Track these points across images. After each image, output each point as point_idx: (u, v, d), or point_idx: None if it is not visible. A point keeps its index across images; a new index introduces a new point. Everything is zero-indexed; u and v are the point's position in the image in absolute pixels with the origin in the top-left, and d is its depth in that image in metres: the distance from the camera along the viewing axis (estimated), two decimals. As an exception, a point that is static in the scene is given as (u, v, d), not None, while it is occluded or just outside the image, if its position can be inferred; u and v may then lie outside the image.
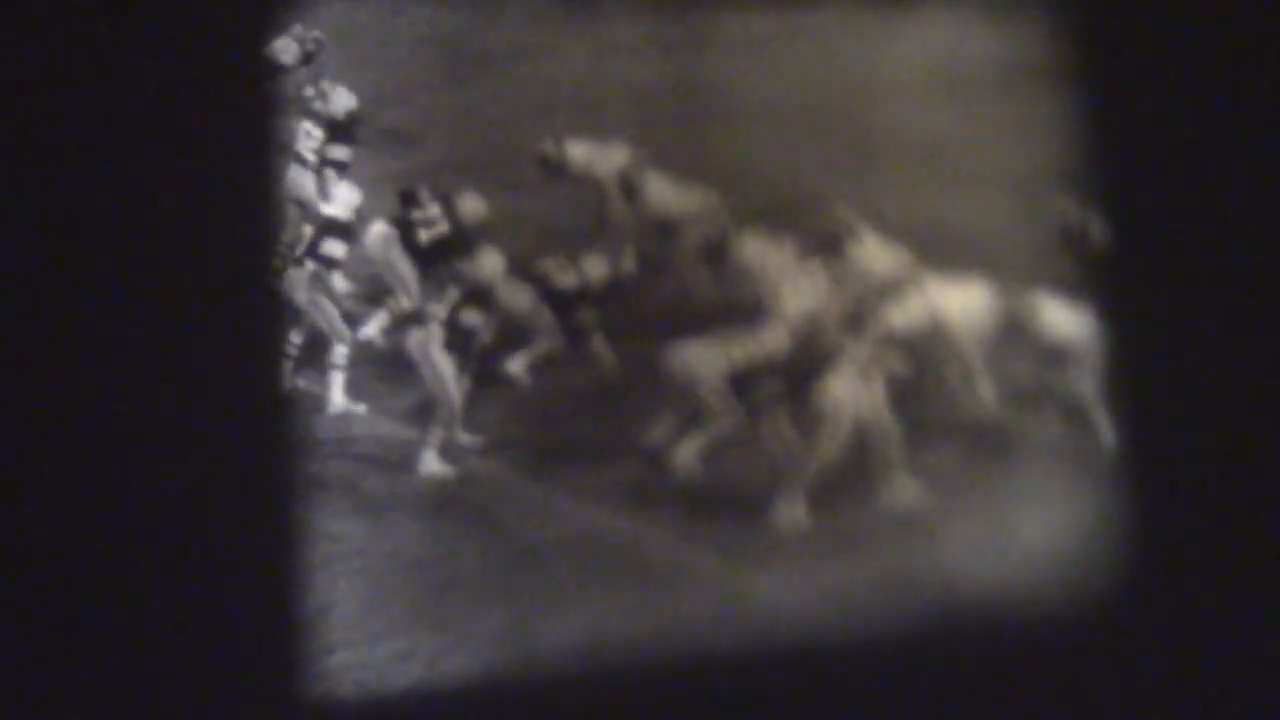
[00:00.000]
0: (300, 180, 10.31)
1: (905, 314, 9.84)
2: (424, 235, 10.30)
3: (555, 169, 10.78)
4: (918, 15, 10.43)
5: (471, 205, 10.37)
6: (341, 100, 10.61)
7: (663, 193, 10.71)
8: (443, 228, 10.32)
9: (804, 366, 9.60)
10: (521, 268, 10.17)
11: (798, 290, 9.93)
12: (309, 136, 10.48)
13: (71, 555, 7.60)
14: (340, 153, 10.54)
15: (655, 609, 8.93)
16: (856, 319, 9.78)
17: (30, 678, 7.57)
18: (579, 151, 10.80)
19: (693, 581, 9.09)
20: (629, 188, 10.72)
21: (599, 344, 10.23)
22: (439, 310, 9.91)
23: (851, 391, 9.56)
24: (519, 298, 10.11)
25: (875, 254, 10.06)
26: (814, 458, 9.49)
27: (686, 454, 9.63)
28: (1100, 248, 9.44)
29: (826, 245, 10.06)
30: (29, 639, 7.58)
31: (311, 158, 10.41)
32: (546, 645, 8.74)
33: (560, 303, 10.19)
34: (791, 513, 9.40)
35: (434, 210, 10.32)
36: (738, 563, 9.17)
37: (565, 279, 10.24)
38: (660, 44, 10.88)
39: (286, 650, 7.95)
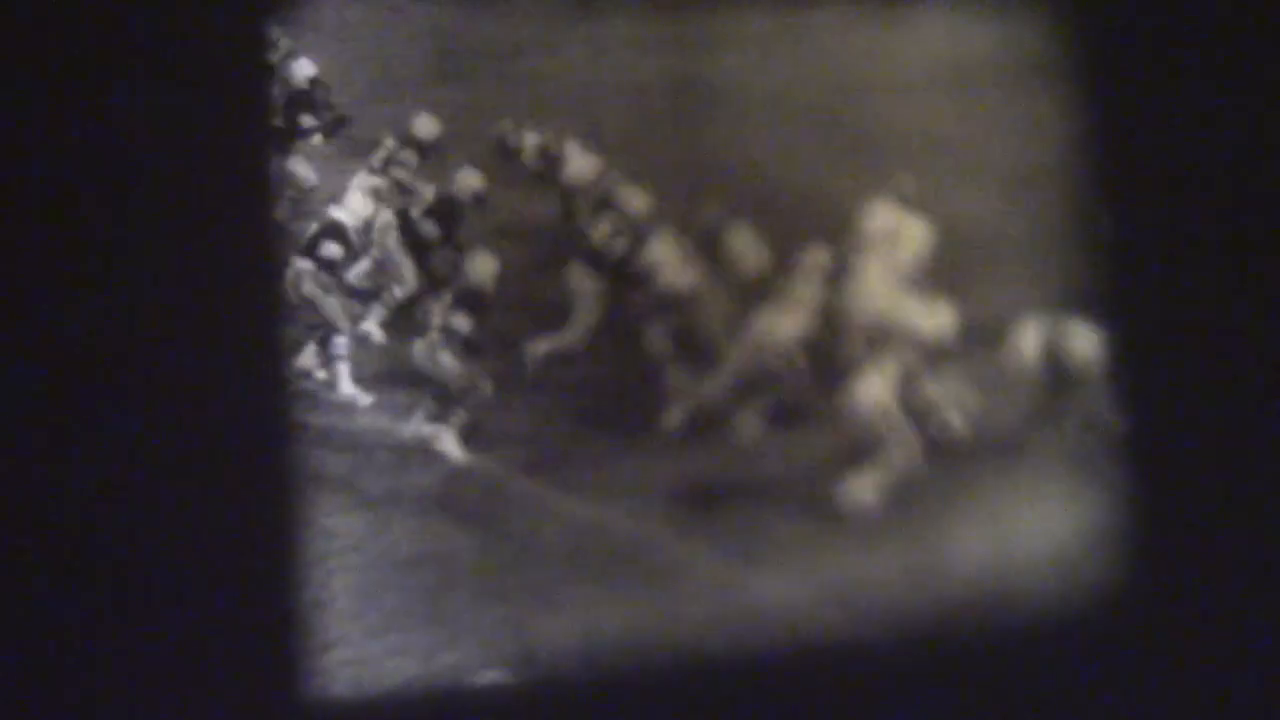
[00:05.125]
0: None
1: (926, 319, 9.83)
2: (414, 209, 10.34)
3: (511, 155, 10.73)
4: (918, 13, 10.44)
5: (467, 180, 10.37)
6: (302, 69, 10.64)
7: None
8: (429, 196, 10.35)
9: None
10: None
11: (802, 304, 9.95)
12: None
13: (69, 549, 7.58)
14: (307, 120, 10.56)
15: (653, 607, 8.93)
16: (875, 330, 9.80)
17: (27, 674, 7.54)
18: (576, 160, 10.73)
19: (691, 580, 9.09)
20: (599, 200, 10.59)
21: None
22: (437, 310, 9.89)
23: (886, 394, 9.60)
24: (585, 284, 10.09)
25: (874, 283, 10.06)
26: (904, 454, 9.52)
27: (749, 424, 9.69)
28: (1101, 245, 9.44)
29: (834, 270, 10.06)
30: (26, 636, 7.55)
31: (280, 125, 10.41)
32: (543, 642, 8.72)
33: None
34: (862, 497, 9.41)
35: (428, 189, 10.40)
36: (737, 562, 9.16)
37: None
38: (658, 41, 10.86)
39: (283, 645, 7.94)
